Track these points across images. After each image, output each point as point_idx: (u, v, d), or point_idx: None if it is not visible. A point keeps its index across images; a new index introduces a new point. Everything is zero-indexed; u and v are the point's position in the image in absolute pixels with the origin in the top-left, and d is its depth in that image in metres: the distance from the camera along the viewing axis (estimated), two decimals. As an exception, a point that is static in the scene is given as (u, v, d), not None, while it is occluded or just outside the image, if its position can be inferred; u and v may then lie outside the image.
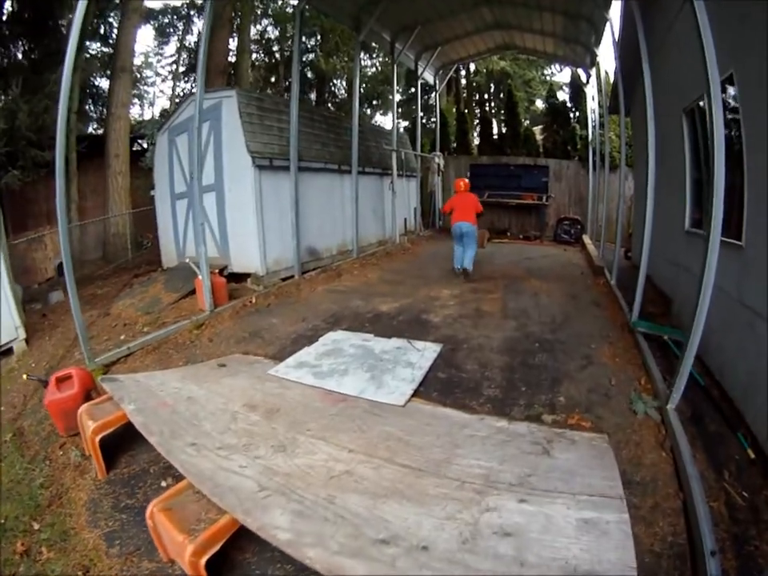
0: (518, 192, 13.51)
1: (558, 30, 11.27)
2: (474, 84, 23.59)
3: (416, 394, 3.99)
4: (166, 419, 3.25)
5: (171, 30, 20.61)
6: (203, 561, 2.24)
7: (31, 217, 12.35)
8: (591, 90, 12.15)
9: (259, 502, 2.32)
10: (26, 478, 3.53)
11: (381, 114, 26.33)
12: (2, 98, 11.44)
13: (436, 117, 16.17)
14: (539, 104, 19.93)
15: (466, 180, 8.72)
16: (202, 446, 2.89)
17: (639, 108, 7.86)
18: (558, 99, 16.75)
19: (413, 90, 19.35)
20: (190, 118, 8.13)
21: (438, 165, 13.89)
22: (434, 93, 16.24)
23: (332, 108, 21.76)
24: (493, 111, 22.06)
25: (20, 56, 12.98)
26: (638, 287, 5.44)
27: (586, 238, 11.75)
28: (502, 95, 19.41)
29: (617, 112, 8.60)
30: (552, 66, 20.86)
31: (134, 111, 20.58)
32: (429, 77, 15.07)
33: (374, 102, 25.24)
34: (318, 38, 20.31)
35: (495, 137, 17.18)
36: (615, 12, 7.42)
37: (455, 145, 16.83)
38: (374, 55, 22.12)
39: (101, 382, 3.88)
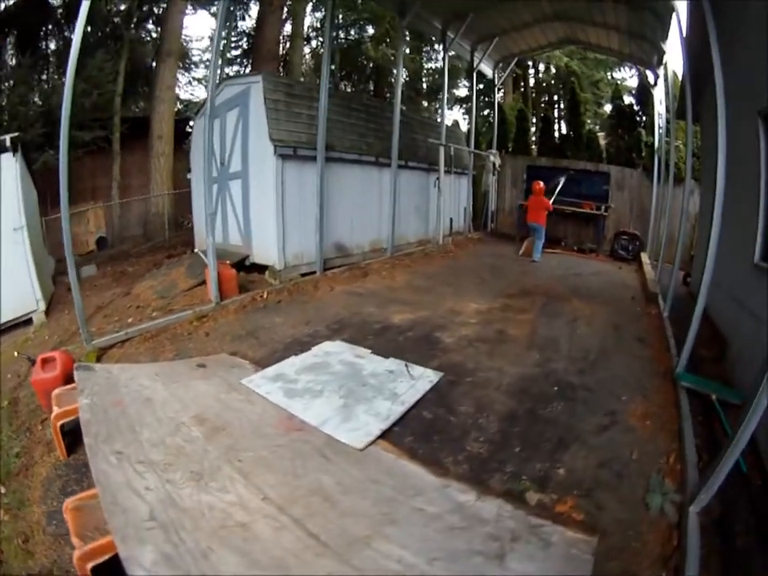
0: (576, 199, 12.38)
1: (621, 23, 10.21)
2: (543, 84, 22.34)
3: (386, 434, 3.43)
4: (111, 420, 3.16)
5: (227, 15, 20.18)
6: (89, 566, 2.25)
7: (77, 192, 12.43)
8: (659, 93, 10.92)
9: (140, 533, 2.16)
10: (6, 445, 3.75)
11: (448, 109, 25.34)
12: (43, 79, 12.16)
13: (494, 113, 15.15)
14: (607, 108, 18.40)
15: (542, 184, 9.95)
16: (126, 457, 2.75)
17: (709, 113, 6.80)
18: (623, 101, 15.41)
19: (480, 86, 18.53)
20: (225, 102, 8.18)
21: (494, 163, 13.04)
22: (491, 83, 15.22)
23: (389, 101, 21.02)
24: (559, 112, 20.71)
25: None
26: (690, 332, 4.53)
27: (645, 257, 10.60)
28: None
29: (684, 117, 7.55)
30: (622, 69, 19.45)
31: (193, 93, 20.75)
32: (487, 70, 14.17)
33: (439, 96, 24.34)
34: (370, 26, 19.56)
35: (557, 139, 15.94)
36: (682, 2, 6.33)
37: (513, 143, 15.75)
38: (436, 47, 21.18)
39: (75, 370, 3.84)
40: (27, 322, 6.33)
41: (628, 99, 15.99)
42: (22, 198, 6.42)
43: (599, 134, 16.14)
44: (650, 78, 11.70)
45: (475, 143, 14.12)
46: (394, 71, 21.45)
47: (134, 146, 13.20)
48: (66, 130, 4.58)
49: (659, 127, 10.88)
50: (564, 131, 16.89)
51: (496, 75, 14.41)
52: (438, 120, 11.88)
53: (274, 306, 6.53)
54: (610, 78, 19.39)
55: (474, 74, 13.55)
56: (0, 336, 5.91)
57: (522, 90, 21.68)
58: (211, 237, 6.16)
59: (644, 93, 13.89)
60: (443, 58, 11.79)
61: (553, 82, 21.62)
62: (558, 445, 3.53)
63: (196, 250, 9.48)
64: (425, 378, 4.41)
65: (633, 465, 3.32)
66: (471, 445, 3.49)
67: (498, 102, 16.00)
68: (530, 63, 21.21)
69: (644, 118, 14.04)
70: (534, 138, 16.88)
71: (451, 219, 12.55)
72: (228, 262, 7.21)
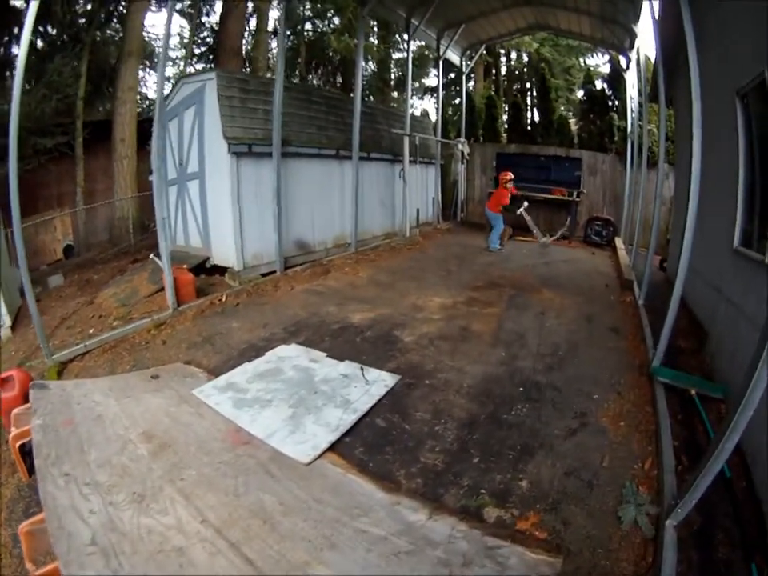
0: (547, 186, 12.07)
1: (592, 7, 9.87)
2: (515, 72, 22.05)
3: (335, 446, 3.17)
4: (61, 440, 3.05)
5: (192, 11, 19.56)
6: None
7: (42, 200, 12.77)
8: (631, 77, 10.59)
9: (81, 558, 2.10)
10: (-26, 467, 3.54)
11: (419, 99, 25.02)
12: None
13: (461, 101, 14.65)
14: (579, 95, 18.12)
15: (507, 174, 9.85)
16: (74, 479, 2.65)
17: (683, 96, 6.57)
18: (595, 86, 15.06)
19: (452, 75, 18.16)
20: (182, 100, 7.93)
21: (462, 152, 12.64)
22: (463, 76, 14.73)
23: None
24: (531, 100, 20.35)
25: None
26: (667, 322, 4.18)
27: (619, 242, 10.32)
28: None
29: (657, 101, 7.37)
30: (594, 55, 19.10)
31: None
32: (454, 57, 13.67)
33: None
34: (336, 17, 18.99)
35: (527, 125, 15.57)
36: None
37: (482, 131, 15.33)
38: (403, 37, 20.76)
39: (30, 389, 3.71)
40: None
41: (600, 85, 15.67)
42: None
43: (571, 119, 15.85)
44: (623, 63, 11.45)
45: (444, 132, 13.72)
46: (365, 65, 21.19)
47: (98, 149, 12.93)
48: (15, 140, 4.34)
49: (632, 111, 10.60)
50: (535, 118, 16.52)
51: (464, 63, 13.93)
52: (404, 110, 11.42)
53: (231, 309, 6.21)
54: (582, 64, 19.11)
55: (441, 62, 13.04)
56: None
57: (494, 78, 21.35)
58: (164, 241, 5.88)
59: (616, 77, 13.61)
60: (407, 47, 11.37)
61: (525, 70, 21.24)
62: (522, 453, 3.18)
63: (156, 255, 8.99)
64: (380, 382, 4.08)
65: (604, 473, 2.97)
66: (426, 456, 3.15)
67: (467, 91, 15.56)
68: (502, 51, 20.89)
69: (616, 103, 13.80)
70: (504, 126, 16.51)
71: (418, 210, 12.12)
72: (185, 266, 6.85)
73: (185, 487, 2.67)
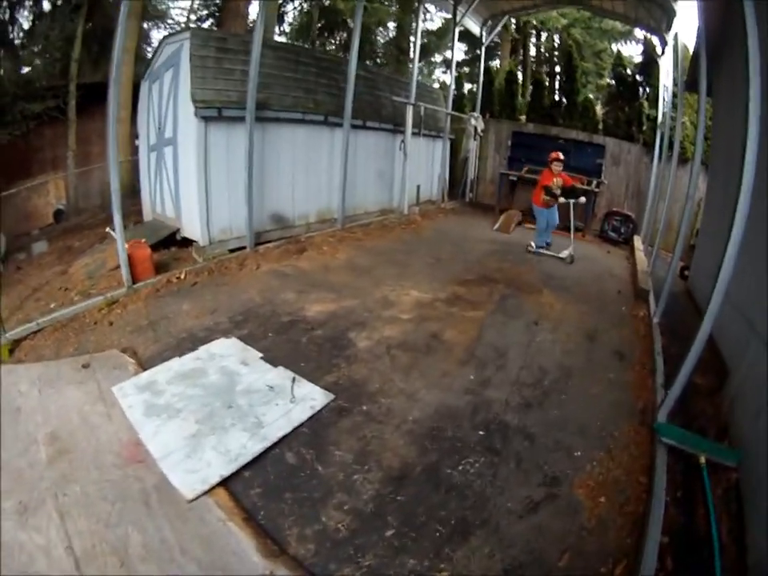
0: (565, 171, 10.89)
1: (628, -20, 8.49)
2: (545, 54, 20.45)
3: (230, 480, 2.63)
4: None
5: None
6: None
7: (37, 163, 12.22)
8: (666, 63, 9.42)
9: None
10: None
11: (442, 72, 23.65)
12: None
13: (478, 73, 13.15)
14: (608, 81, 16.69)
15: (556, 154, 8.06)
16: None
17: (725, 85, 5.61)
18: (626, 69, 13.55)
19: (478, 51, 16.83)
20: (164, 62, 7.39)
21: (476, 128, 11.48)
22: (487, 50, 13.35)
23: (372, 63, 19.13)
24: (560, 83, 18.78)
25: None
26: (685, 366, 3.21)
27: (638, 242, 9.19)
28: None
29: (694, 89, 6.39)
30: (628, 42, 17.66)
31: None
32: (474, 27, 12.42)
33: (430, 59, 22.47)
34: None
35: (550, 106, 14.10)
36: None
37: (499, 107, 13.93)
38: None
39: None
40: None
41: (631, 70, 14.24)
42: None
43: (597, 106, 14.43)
44: (657, 48, 10.26)
45: (458, 106, 12.57)
46: (378, 28, 19.83)
47: (95, 110, 12.18)
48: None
49: (664, 100, 9.51)
50: (558, 98, 15.09)
51: (484, 34, 12.64)
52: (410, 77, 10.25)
53: (188, 289, 5.55)
54: (614, 50, 17.57)
55: (456, 30, 11.86)
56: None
57: (522, 58, 19.84)
58: (118, 213, 5.35)
59: (649, 63, 12.26)
60: (416, 8, 10.17)
61: (556, 52, 19.63)
62: (455, 531, 2.37)
63: (146, 219, 8.72)
64: (307, 402, 3.34)
65: (558, 576, 2.11)
66: (330, 515, 2.42)
67: (487, 65, 14.26)
68: (532, 32, 19.38)
69: (647, 90, 12.42)
70: (523, 103, 15.14)
71: (419, 187, 11.03)
72: (144, 240, 6.29)
73: (65, 504, 2.44)
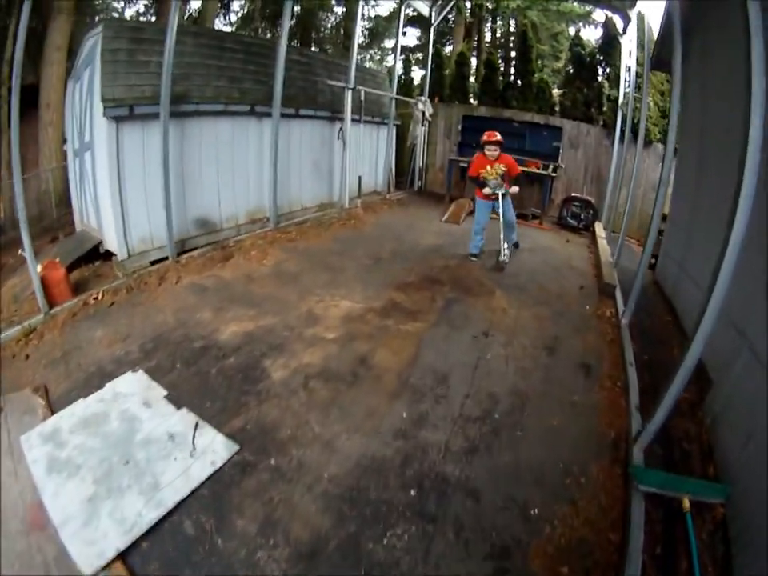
0: (520, 156, 9.98)
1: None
2: (501, 39, 19.86)
3: (129, 553, 2.23)
4: None
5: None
6: None
7: None
8: (628, 43, 8.89)
9: None
10: None
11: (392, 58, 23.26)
12: None
13: (427, 56, 12.29)
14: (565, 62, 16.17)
15: (491, 136, 6.35)
16: None
17: (696, 61, 5.11)
18: (584, 49, 12.66)
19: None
20: (84, 59, 6.68)
21: (423, 113, 10.70)
22: (440, 34, 12.61)
23: (319, 50, 18.30)
24: (513, 69, 18.13)
25: None
26: (666, 399, 2.54)
27: (599, 228, 8.55)
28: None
29: (662, 68, 6.30)
30: (588, 27, 17.11)
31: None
32: (423, 7, 11.59)
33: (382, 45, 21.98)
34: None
35: (503, 88, 13.38)
36: None
37: (449, 90, 13.07)
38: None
39: None
40: None
41: (590, 51, 13.69)
42: None
43: (553, 86, 13.78)
44: (619, 26, 9.81)
45: (407, 91, 11.76)
46: (324, 12, 18.92)
47: (33, 114, 11.51)
48: None
49: (626, 81, 8.99)
50: (512, 81, 14.33)
51: (434, 14, 11.80)
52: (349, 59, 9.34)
53: (104, 311, 4.97)
54: (572, 33, 16.99)
55: (403, 8, 11.10)
56: None
57: (476, 42, 19.20)
58: (26, 234, 4.77)
59: (609, 42, 11.60)
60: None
61: (512, 37, 19.02)
62: None
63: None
64: (208, 456, 2.78)
65: None
66: None
67: (437, 48, 13.48)
68: (488, 15, 18.69)
69: (607, 70, 11.77)
70: (475, 86, 14.40)
71: (360, 178, 10.11)
72: (58, 260, 5.82)
73: None
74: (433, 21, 11.79)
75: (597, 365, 3.83)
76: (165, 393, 3.41)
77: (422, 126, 11.03)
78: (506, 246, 6.25)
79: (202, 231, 6.92)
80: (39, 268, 5.03)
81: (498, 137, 6.25)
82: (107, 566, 2.17)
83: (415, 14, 11.57)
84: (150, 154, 6.03)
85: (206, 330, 4.31)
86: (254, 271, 5.84)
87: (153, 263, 6.22)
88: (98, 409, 3.30)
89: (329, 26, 19.48)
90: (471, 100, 13.52)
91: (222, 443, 2.84)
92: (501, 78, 13.67)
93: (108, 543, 2.27)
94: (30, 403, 3.51)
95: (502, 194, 6.20)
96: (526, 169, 9.89)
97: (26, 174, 11.06)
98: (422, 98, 10.92)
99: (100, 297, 5.24)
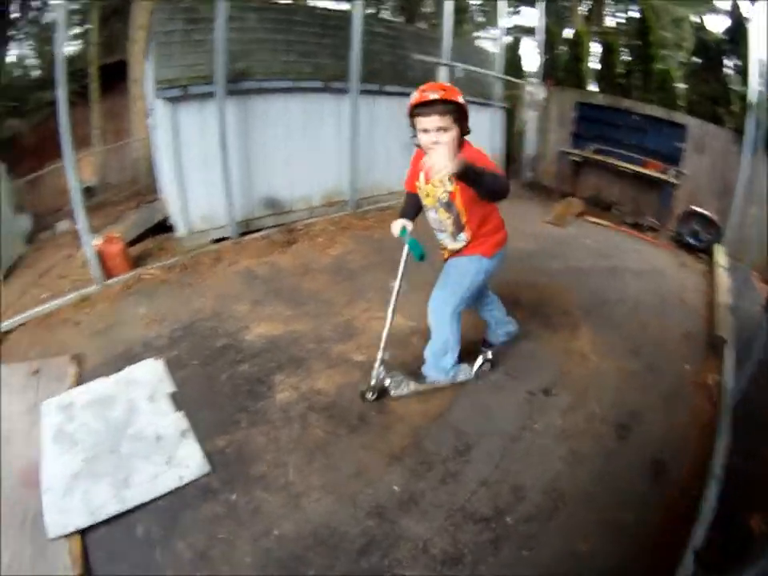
0: (638, 155, 8.83)
1: None
2: (622, 27, 17.75)
3: (88, 531, 2.37)
4: None
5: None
6: None
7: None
8: (757, 31, 7.21)
9: None
10: None
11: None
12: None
13: (541, 34, 11.01)
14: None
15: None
16: None
17: None
18: (709, 35, 10.62)
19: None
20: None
21: (535, 96, 9.61)
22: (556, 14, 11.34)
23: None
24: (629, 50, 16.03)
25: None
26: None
27: (720, 254, 6.93)
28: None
29: None
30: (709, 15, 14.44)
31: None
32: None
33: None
34: None
35: (622, 75, 11.70)
36: None
37: (563, 73, 11.53)
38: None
39: None
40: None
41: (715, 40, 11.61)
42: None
43: (677, 77, 11.85)
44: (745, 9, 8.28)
45: (513, 69, 10.69)
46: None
47: (115, 91, 12.75)
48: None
49: (759, 76, 7.29)
50: (630, 67, 12.53)
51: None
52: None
53: (153, 289, 5.00)
54: (697, 20, 14.69)
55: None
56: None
57: (593, 22, 17.32)
58: (80, 209, 4.84)
59: (737, 29, 9.52)
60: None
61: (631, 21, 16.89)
62: None
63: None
64: (180, 469, 2.71)
65: None
66: None
67: (549, 26, 11.86)
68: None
69: (735, 62, 9.78)
70: (589, 70, 12.78)
71: None
72: (116, 234, 5.91)
73: None
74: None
75: (673, 465, 2.83)
76: (171, 390, 3.35)
77: (534, 110, 9.96)
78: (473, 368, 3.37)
79: (269, 212, 6.74)
80: (98, 240, 5.28)
81: (446, 94, 2.39)
82: (67, 536, 2.35)
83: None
84: (209, 133, 5.92)
85: (236, 326, 4.10)
86: (314, 261, 5.51)
87: (216, 242, 6.17)
88: (111, 391, 3.38)
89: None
90: (587, 86, 12.05)
91: (197, 461, 2.73)
92: (618, 62, 12.12)
93: (73, 518, 2.44)
94: (64, 371, 3.69)
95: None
96: (643, 171, 8.58)
97: (118, 142, 13.25)
98: (533, 80, 9.89)
99: (155, 273, 5.31)
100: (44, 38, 13.87)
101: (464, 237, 2.76)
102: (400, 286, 2.93)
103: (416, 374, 3.19)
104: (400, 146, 8.12)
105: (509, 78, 10.17)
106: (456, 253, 2.88)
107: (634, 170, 8.80)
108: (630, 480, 2.70)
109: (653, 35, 10.96)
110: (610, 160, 9.05)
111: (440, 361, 3.07)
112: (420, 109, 2.40)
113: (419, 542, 2.22)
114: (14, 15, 14.90)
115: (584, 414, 3.15)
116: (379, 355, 2.97)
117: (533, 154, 10.71)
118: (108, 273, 5.21)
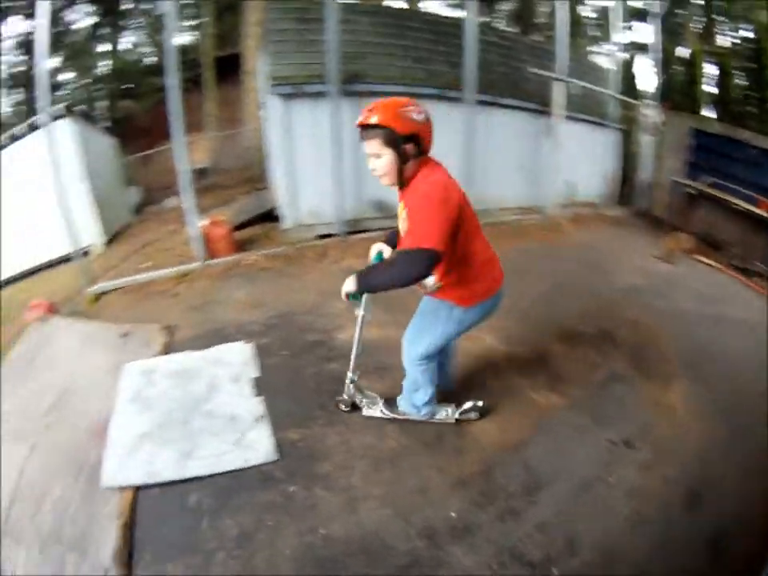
0: (755, 192, 8.00)
1: None
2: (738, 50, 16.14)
3: (142, 490, 2.67)
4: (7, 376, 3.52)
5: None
6: None
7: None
8: None
9: None
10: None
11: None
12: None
13: (656, 51, 10.19)
14: None
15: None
16: None
17: None
18: None
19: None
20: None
21: (651, 120, 9.16)
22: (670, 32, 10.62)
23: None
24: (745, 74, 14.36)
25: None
26: None
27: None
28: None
29: None
30: None
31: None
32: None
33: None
34: None
35: (739, 101, 10.76)
36: None
37: (677, 95, 11.07)
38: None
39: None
40: (85, 253, 6.19)
41: None
42: (83, 153, 7.18)
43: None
44: None
45: (627, 89, 10.19)
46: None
47: (229, 81, 13.77)
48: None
49: None
50: (748, 93, 11.40)
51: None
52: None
53: (254, 275, 5.45)
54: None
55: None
56: (60, 265, 6.51)
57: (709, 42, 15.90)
58: (187, 192, 5.52)
59: None
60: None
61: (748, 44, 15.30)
62: None
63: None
64: (247, 452, 2.83)
65: None
66: None
67: (665, 45, 11.21)
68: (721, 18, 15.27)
69: None
70: (704, 94, 11.81)
71: (573, 184, 9.00)
72: (222, 218, 6.56)
73: (33, 445, 2.87)
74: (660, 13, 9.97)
75: (733, 542, 2.54)
76: (256, 375, 3.55)
77: (650, 134, 9.48)
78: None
79: (378, 214, 6.96)
80: (205, 222, 5.75)
81: (366, 118, 2.16)
82: (121, 489, 2.56)
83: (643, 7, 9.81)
84: (320, 131, 6.24)
85: (331, 323, 4.30)
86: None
87: (321, 237, 6.52)
88: (197, 366, 3.61)
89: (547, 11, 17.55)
90: (701, 110, 11.19)
91: (266, 447, 2.85)
92: (734, 87, 11.11)
93: (130, 474, 2.64)
94: (151, 337, 4.03)
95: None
96: (756, 210, 7.86)
97: (232, 129, 14.11)
98: (650, 102, 9.48)
99: (256, 260, 5.72)
100: (157, 27, 15.11)
101: (431, 281, 2.53)
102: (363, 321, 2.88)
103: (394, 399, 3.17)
104: (512, 163, 8.10)
105: (625, 98, 9.75)
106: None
107: (748, 210, 8.06)
108: (689, 554, 2.49)
109: (767, 58, 10.09)
110: (725, 196, 8.36)
111: (412, 396, 2.98)
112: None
113: (461, 573, 2.22)
114: (125, 6, 17.28)
115: (660, 475, 2.94)
116: (349, 374, 3.03)
117: (648, 180, 10.14)
118: (211, 254, 5.61)
